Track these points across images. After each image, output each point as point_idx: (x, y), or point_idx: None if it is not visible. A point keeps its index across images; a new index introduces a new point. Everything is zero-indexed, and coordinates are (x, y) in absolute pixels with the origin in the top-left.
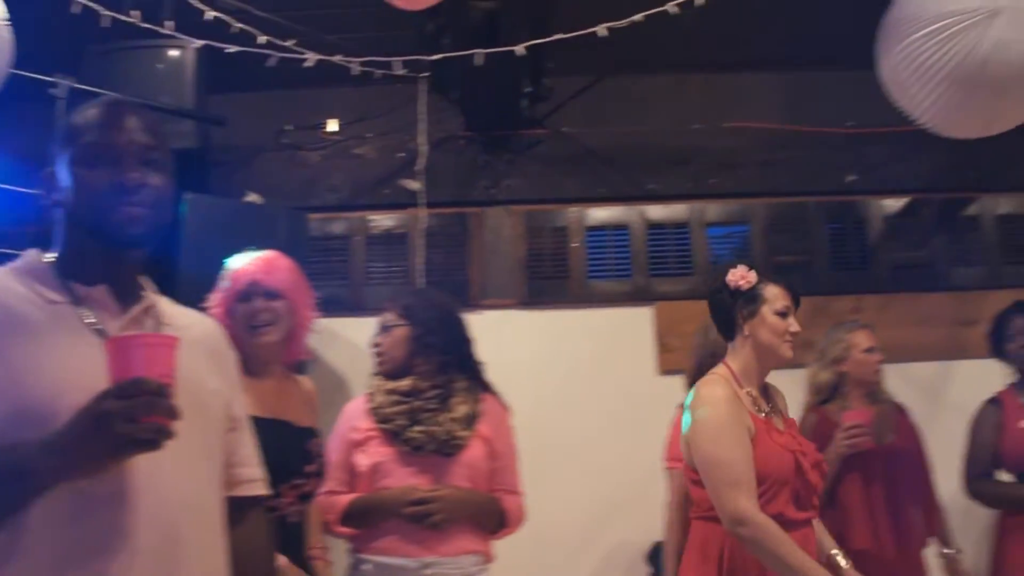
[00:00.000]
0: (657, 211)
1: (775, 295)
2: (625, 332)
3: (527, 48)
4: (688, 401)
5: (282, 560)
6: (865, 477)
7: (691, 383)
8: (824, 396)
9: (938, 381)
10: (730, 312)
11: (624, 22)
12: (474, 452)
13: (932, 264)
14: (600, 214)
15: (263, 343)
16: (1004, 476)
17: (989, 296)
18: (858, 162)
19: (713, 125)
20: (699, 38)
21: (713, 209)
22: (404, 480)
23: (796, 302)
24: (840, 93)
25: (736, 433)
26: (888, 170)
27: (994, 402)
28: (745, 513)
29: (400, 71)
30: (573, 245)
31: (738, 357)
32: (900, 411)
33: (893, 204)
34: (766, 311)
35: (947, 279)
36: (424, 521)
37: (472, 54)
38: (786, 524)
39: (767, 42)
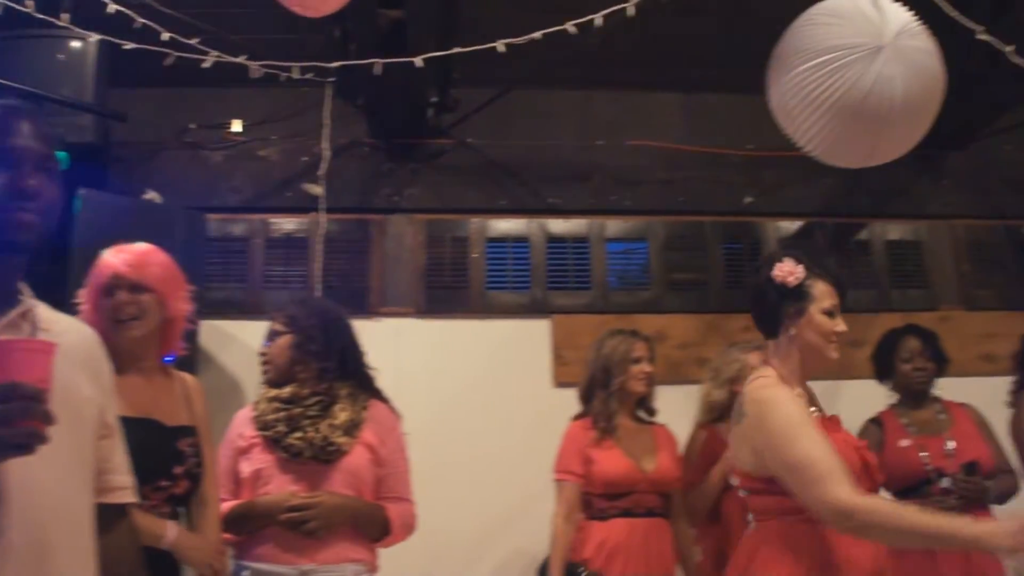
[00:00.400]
0: (558, 225)
1: (823, 293)
2: (522, 344)
3: (433, 58)
4: (745, 409)
5: (171, 529)
6: None
7: (583, 397)
8: (716, 415)
9: (827, 400)
10: (775, 310)
11: (523, 39)
12: (356, 459)
13: None
14: (501, 226)
15: (128, 337)
16: (883, 495)
17: (877, 319)
18: (755, 184)
19: (616, 142)
20: (605, 56)
21: (613, 225)
22: (283, 487)
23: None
24: (740, 116)
25: (809, 430)
26: (784, 193)
27: (876, 422)
28: (846, 503)
29: (302, 75)
30: (473, 256)
31: (783, 358)
32: None
33: (788, 226)
34: (813, 310)
35: None
36: (299, 528)
37: (372, 63)
38: None
39: (671, 64)
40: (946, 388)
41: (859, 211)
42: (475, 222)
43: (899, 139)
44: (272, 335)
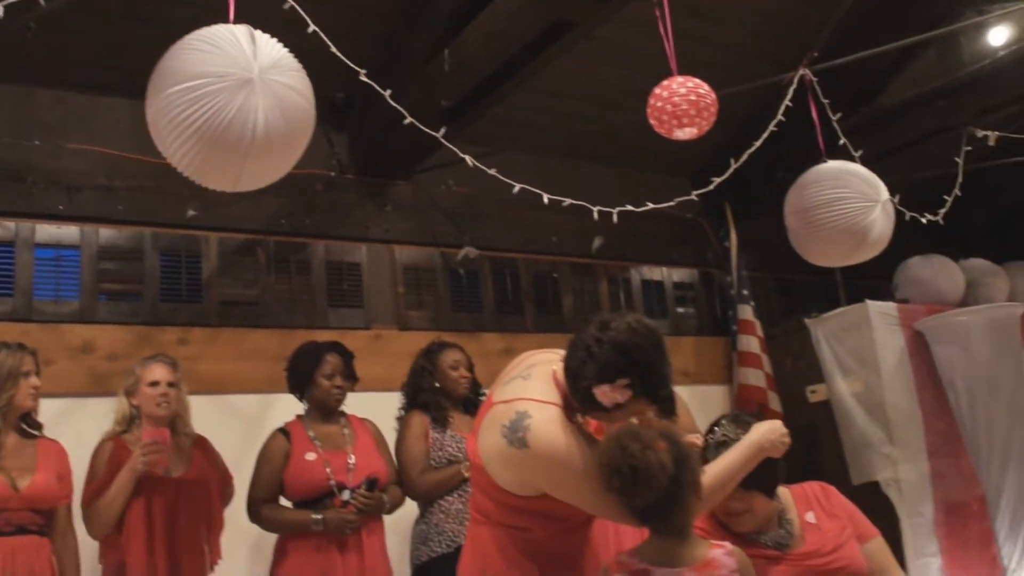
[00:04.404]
0: None
1: (637, 408)
2: None
3: None
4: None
5: None
6: (149, 506)
7: None
8: (123, 428)
9: (259, 412)
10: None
11: None
12: None
13: (261, 302)
14: None
15: None
16: (286, 503)
17: (312, 335)
18: (200, 198)
19: (56, 144)
20: (49, 54)
21: (45, 230)
22: None
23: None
24: None
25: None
26: (229, 209)
27: (284, 432)
28: None
29: None
30: None
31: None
32: (199, 443)
33: (230, 242)
34: (616, 415)
35: (274, 317)
36: None
37: None
38: None
39: (121, 70)
40: (373, 402)
41: (302, 231)
42: None
43: (264, 168)
44: None
